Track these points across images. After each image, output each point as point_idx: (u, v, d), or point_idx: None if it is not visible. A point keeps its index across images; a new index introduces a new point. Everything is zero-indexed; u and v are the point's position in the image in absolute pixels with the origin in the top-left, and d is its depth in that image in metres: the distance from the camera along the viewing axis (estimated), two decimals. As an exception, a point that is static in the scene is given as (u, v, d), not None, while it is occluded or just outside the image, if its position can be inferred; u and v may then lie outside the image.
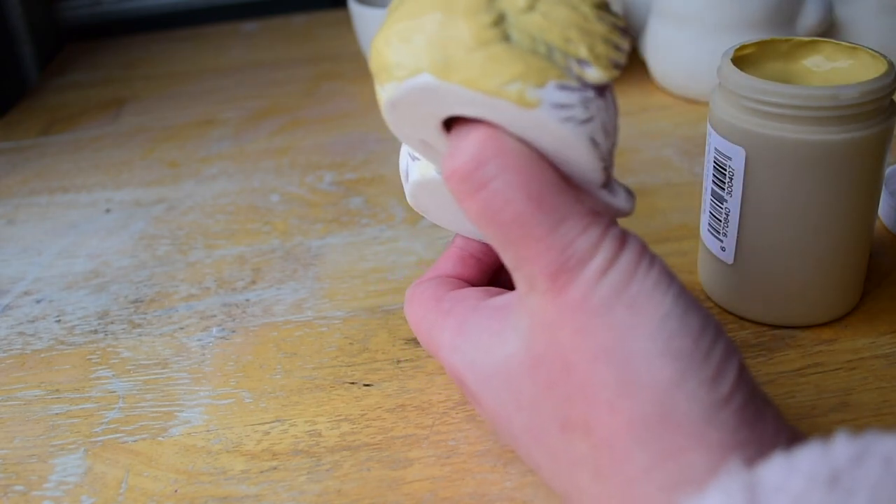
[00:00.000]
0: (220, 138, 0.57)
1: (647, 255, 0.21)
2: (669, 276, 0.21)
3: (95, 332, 0.37)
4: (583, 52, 0.20)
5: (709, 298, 0.35)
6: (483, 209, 0.21)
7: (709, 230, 0.34)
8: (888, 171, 0.41)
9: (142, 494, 0.28)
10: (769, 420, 0.20)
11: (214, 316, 0.37)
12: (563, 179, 0.22)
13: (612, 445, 0.20)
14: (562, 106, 0.20)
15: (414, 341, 0.34)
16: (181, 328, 0.37)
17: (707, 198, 0.33)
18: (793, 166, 0.30)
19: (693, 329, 0.20)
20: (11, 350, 0.36)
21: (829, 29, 0.54)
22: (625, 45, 0.21)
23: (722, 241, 0.33)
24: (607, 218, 0.22)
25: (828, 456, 0.17)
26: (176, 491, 0.28)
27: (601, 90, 0.21)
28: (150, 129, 0.59)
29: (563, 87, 0.20)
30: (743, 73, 0.30)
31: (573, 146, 0.21)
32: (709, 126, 0.32)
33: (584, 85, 0.20)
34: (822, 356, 0.32)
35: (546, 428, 0.22)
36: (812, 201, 0.30)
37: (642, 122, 0.54)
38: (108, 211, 0.48)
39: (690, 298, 0.21)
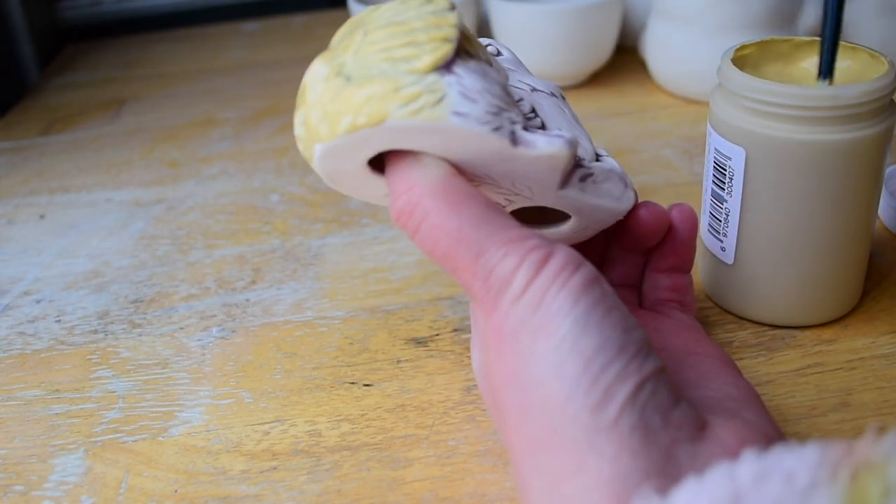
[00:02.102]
0: (220, 138, 0.57)
1: (560, 277, 0.21)
2: (576, 298, 0.21)
3: (95, 332, 0.37)
4: (406, 52, 0.22)
5: (709, 298, 0.35)
6: (422, 248, 0.23)
7: (709, 230, 0.34)
8: (888, 171, 0.41)
9: (142, 494, 0.28)
10: (660, 446, 0.19)
11: (214, 316, 0.37)
12: (486, 209, 0.23)
13: (519, 467, 0.21)
14: (407, 102, 0.22)
15: (414, 341, 0.34)
16: (181, 328, 0.37)
17: (707, 198, 0.33)
18: (793, 166, 0.30)
19: (585, 352, 0.20)
20: (11, 350, 0.36)
21: (829, 29, 0.54)
22: (449, 19, 0.23)
23: (722, 241, 0.33)
24: (534, 241, 0.22)
25: (732, 476, 0.17)
26: (176, 491, 0.28)
27: (446, 67, 0.22)
28: (150, 129, 0.59)
29: (399, 90, 0.22)
30: (743, 73, 0.30)
31: (441, 129, 0.22)
32: (709, 126, 0.32)
33: (422, 76, 0.22)
34: (822, 356, 0.32)
35: (504, 438, 0.23)
36: (812, 201, 0.30)
37: (642, 122, 0.54)
38: (106, 200, 0.48)
39: (596, 319, 0.20)
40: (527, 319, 0.21)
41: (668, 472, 0.19)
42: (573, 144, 0.23)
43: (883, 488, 0.16)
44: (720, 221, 0.33)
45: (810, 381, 0.31)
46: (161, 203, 0.48)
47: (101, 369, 0.34)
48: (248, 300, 0.38)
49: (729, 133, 0.31)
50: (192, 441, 0.30)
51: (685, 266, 0.31)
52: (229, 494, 0.28)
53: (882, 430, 0.18)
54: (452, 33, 0.23)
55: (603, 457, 0.19)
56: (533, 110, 0.26)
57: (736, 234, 0.32)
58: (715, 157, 0.32)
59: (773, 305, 0.33)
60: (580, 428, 0.19)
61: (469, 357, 0.33)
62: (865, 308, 0.34)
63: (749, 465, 0.18)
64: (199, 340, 0.36)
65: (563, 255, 0.21)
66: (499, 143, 0.23)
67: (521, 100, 0.26)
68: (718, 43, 0.52)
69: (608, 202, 0.27)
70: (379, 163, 0.25)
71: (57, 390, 0.33)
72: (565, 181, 0.25)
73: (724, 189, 0.32)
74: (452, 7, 0.23)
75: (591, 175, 0.25)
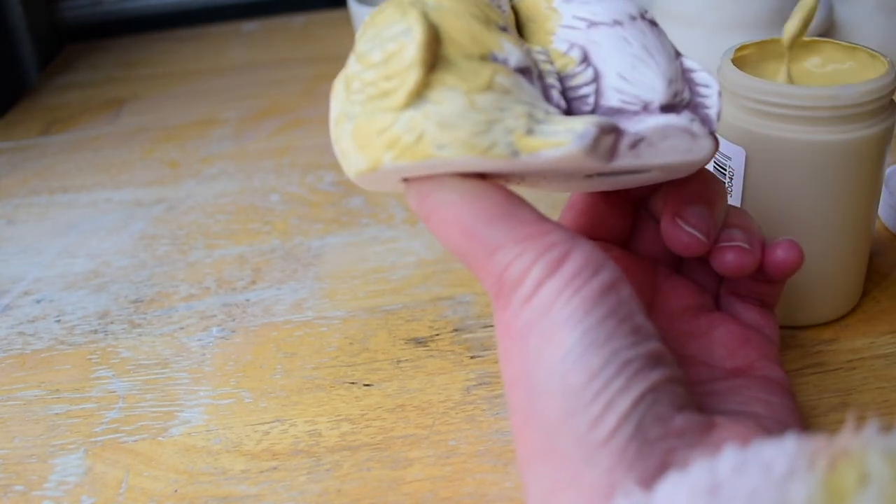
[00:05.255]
0: (220, 138, 0.57)
1: (575, 281, 0.20)
2: (588, 307, 0.20)
3: (95, 332, 0.37)
4: (381, 87, 0.21)
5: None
6: (439, 241, 0.23)
7: (709, 230, 0.34)
8: (888, 171, 0.41)
9: (142, 494, 0.28)
10: (656, 456, 0.19)
11: (214, 316, 0.37)
12: (504, 201, 0.22)
13: (521, 467, 0.21)
14: (391, 146, 0.21)
15: (414, 341, 0.34)
16: (181, 328, 0.37)
17: (707, 198, 0.33)
18: (793, 166, 0.30)
19: (590, 367, 0.20)
20: (11, 350, 0.36)
21: (829, 29, 0.54)
22: (415, 38, 0.21)
23: (722, 241, 0.33)
24: (554, 237, 0.21)
25: (713, 468, 0.18)
26: (176, 491, 0.28)
27: (419, 97, 0.21)
28: (150, 129, 0.59)
29: (382, 133, 0.21)
30: (743, 73, 0.30)
31: (433, 164, 0.21)
32: (709, 126, 0.32)
33: (398, 114, 0.21)
34: (822, 356, 0.32)
35: (512, 431, 0.23)
36: (812, 201, 0.30)
37: (642, 122, 0.54)
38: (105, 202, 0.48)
39: (606, 331, 0.20)
40: (536, 322, 0.20)
41: (659, 478, 0.19)
42: (584, 138, 0.20)
43: (859, 476, 0.16)
44: (720, 221, 0.33)
45: (810, 381, 0.31)
46: (161, 203, 0.48)
47: (101, 369, 0.34)
48: (248, 300, 0.38)
49: (729, 133, 0.31)
50: (192, 441, 0.30)
51: (776, 279, 0.27)
52: (229, 494, 0.28)
53: (861, 421, 0.18)
54: (419, 56, 0.21)
55: (597, 470, 0.19)
56: (584, 58, 0.23)
57: (736, 234, 0.32)
58: (715, 157, 0.32)
59: (773, 305, 0.33)
60: (577, 442, 0.19)
61: (469, 357, 0.33)
62: (865, 308, 0.34)
63: (729, 457, 0.18)
64: (199, 340, 0.36)
65: (581, 256, 0.21)
66: (495, 162, 0.21)
67: (566, 51, 0.23)
68: (718, 43, 0.52)
69: (675, 157, 0.23)
70: None
71: (57, 390, 0.33)
72: (610, 156, 0.22)
73: (726, 171, 0.32)
74: (422, 18, 0.21)
75: (642, 140, 0.22)
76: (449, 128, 0.21)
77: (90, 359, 0.35)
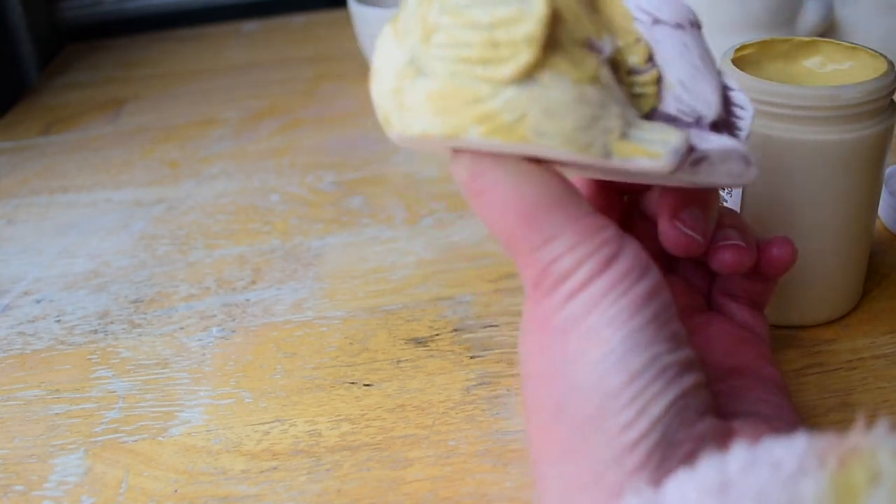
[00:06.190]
0: (220, 138, 0.57)
1: (624, 282, 0.20)
2: (634, 310, 0.20)
3: (95, 332, 0.37)
4: (483, 54, 0.19)
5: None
6: (482, 218, 0.21)
7: (709, 230, 0.34)
8: (888, 171, 0.41)
9: (142, 494, 0.28)
10: (676, 459, 0.19)
11: (214, 316, 0.37)
12: (562, 191, 0.21)
13: (539, 465, 0.21)
14: (483, 120, 0.19)
15: (414, 341, 0.34)
16: (181, 328, 0.37)
17: (707, 198, 0.33)
18: (793, 166, 0.30)
19: (629, 370, 0.20)
20: (11, 350, 0.36)
21: (829, 29, 0.54)
22: (536, 12, 0.19)
23: (722, 241, 0.33)
24: (606, 234, 0.21)
25: (722, 466, 0.18)
26: (176, 491, 0.28)
27: (528, 76, 0.19)
28: (150, 129, 0.59)
29: (475, 103, 0.19)
30: (743, 73, 0.30)
31: (522, 148, 0.20)
32: (709, 126, 0.32)
33: (500, 88, 0.19)
34: (822, 356, 0.32)
35: (528, 428, 0.23)
36: (812, 201, 0.30)
37: (642, 122, 0.54)
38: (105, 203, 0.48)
39: (648, 335, 0.20)
40: (579, 319, 0.20)
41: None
42: (678, 153, 0.20)
43: (870, 474, 0.16)
44: (720, 221, 0.33)
45: (810, 381, 0.31)
46: (161, 203, 0.48)
47: (101, 369, 0.34)
48: (248, 300, 0.38)
49: (729, 133, 0.31)
50: (192, 441, 0.30)
51: (772, 276, 0.28)
52: (229, 494, 0.28)
53: (872, 421, 0.18)
54: (537, 31, 0.19)
55: (623, 471, 0.19)
56: (650, 57, 0.22)
57: (736, 234, 0.32)
58: (715, 157, 0.32)
59: (773, 305, 0.33)
60: (607, 443, 0.19)
61: (469, 357, 0.33)
62: (865, 308, 0.34)
63: (738, 455, 0.18)
64: (199, 340, 0.36)
65: (630, 257, 0.20)
66: (588, 159, 0.20)
67: (637, 41, 0.22)
68: (718, 43, 0.52)
69: (725, 181, 0.22)
70: None
71: (57, 390, 0.33)
72: (675, 170, 0.21)
73: (723, 189, 0.32)
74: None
75: (704, 159, 0.21)
76: (554, 116, 0.19)
77: (90, 359, 0.35)
